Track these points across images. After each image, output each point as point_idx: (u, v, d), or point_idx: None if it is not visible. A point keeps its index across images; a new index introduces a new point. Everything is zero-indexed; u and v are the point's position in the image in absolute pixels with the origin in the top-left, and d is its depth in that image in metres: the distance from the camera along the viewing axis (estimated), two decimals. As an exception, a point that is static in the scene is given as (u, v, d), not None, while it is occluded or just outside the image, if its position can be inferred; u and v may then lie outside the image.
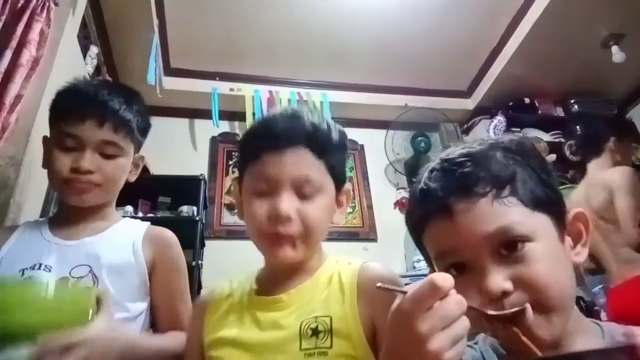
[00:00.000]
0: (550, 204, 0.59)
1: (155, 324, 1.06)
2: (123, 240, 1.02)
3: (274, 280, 0.82)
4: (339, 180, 0.83)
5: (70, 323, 0.73)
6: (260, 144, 0.79)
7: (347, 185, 0.86)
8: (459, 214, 0.57)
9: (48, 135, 1.05)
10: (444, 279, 0.45)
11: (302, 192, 0.77)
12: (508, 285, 0.54)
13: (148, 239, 1.04)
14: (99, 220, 1.05)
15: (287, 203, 0.75)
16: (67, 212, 1.05)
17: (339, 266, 0.82)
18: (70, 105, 1.00)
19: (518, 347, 0.52)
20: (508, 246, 0.55)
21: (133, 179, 1.10)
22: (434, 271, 0.65)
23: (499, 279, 0.54)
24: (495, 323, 0.54)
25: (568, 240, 0.61)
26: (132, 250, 1.01)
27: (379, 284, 0.49)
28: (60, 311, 0.73)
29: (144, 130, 1.10)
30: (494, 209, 0.56)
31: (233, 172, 3.22)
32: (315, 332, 0.72)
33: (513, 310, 0.52)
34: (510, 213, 0.56)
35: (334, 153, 0.81)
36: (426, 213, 0.61)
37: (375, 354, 0.71)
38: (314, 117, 0.80)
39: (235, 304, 0.83)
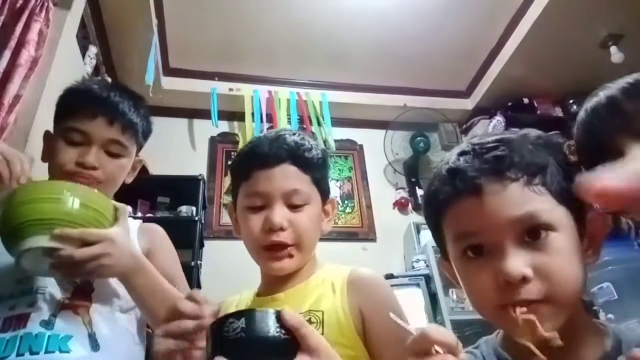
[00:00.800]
0: (573, 200, 0.59)
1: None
2: None
3: (271, 284, 0.89)
4: (324, 192, 0.91)
5: (91, 224, 0.80)
6: (250, 163, 0.87)
7: (332, 196, 0.94)
8: (489, 195, 0.57)
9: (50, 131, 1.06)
10: (438, 332, 0.46)
11: (292, 202, 0.84)
12: (528, 271, 0.54)
13: (142, 231, 1.07)
14: None
15: (279, 214, 0.82)
16: None
17: (331, 272, 0.88)
18: (82, 102, 1.02)
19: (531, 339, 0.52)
20: (532, 233, 0.56)
21: (129, 180, 1.12)
22: (443, 258, 0.67)
23: (519, 264, 0.54)
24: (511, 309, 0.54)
25: (585, 240, 0.61)
26: None
27: (391, 314, 0.53)
28: (85, 212, 0.80)
29: (147, 134, 1.13)
30: (524, 194, 0.56)
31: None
32: (308, 323, 0.76)
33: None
34: (539, 200, 0.57)
35: (318, 168, 0.89)
36: (454, 192, 0.60)
37: (365, 343, 0.77)
38: (297, 136, 0.89)
39: (240, 308, 0.88)
